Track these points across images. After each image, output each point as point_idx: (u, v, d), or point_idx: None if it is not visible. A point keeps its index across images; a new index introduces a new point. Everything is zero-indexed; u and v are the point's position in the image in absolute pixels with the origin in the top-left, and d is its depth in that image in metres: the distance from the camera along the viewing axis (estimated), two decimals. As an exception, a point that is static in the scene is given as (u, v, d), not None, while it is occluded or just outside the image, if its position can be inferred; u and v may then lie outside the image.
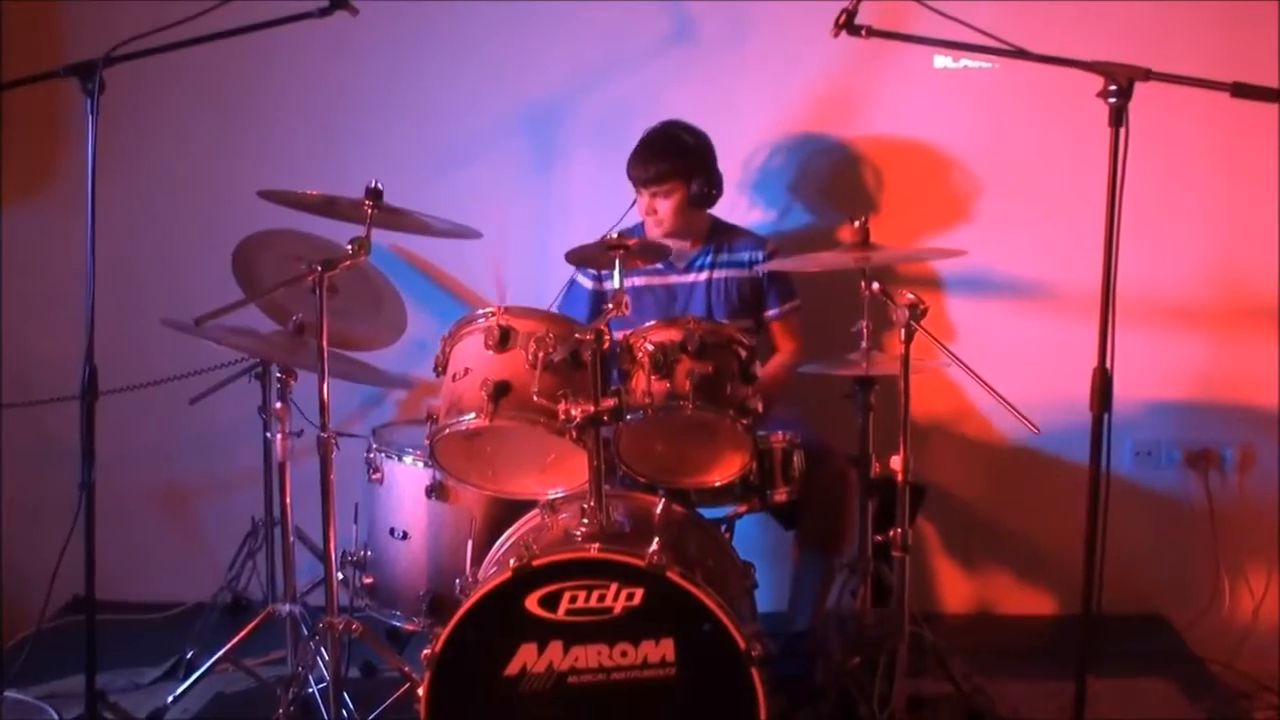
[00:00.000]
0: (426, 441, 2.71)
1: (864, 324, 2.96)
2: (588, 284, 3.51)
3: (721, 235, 3.48)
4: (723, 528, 3.00)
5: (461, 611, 2.42)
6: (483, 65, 3.77)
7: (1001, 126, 3.68)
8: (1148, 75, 2.47)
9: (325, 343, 2.70)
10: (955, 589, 3.88)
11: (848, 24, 2.67)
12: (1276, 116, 3.41)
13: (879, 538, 2.84)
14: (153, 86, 3.61)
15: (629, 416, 2.59)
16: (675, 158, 3.32)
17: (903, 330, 2.68)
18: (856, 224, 2.93)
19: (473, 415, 2.58)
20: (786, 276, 3.48)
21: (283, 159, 3.78)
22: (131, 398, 3.43)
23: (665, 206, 3.34)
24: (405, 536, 3.02)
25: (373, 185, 2.78)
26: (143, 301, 3.60)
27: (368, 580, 3.06)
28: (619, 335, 2.72)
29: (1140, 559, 3.60)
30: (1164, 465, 3.78)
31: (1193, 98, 2.49)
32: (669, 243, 3.25)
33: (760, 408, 2.71)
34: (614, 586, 2.41)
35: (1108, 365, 2.53)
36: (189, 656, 3.32)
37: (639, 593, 2.40)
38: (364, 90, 3.81)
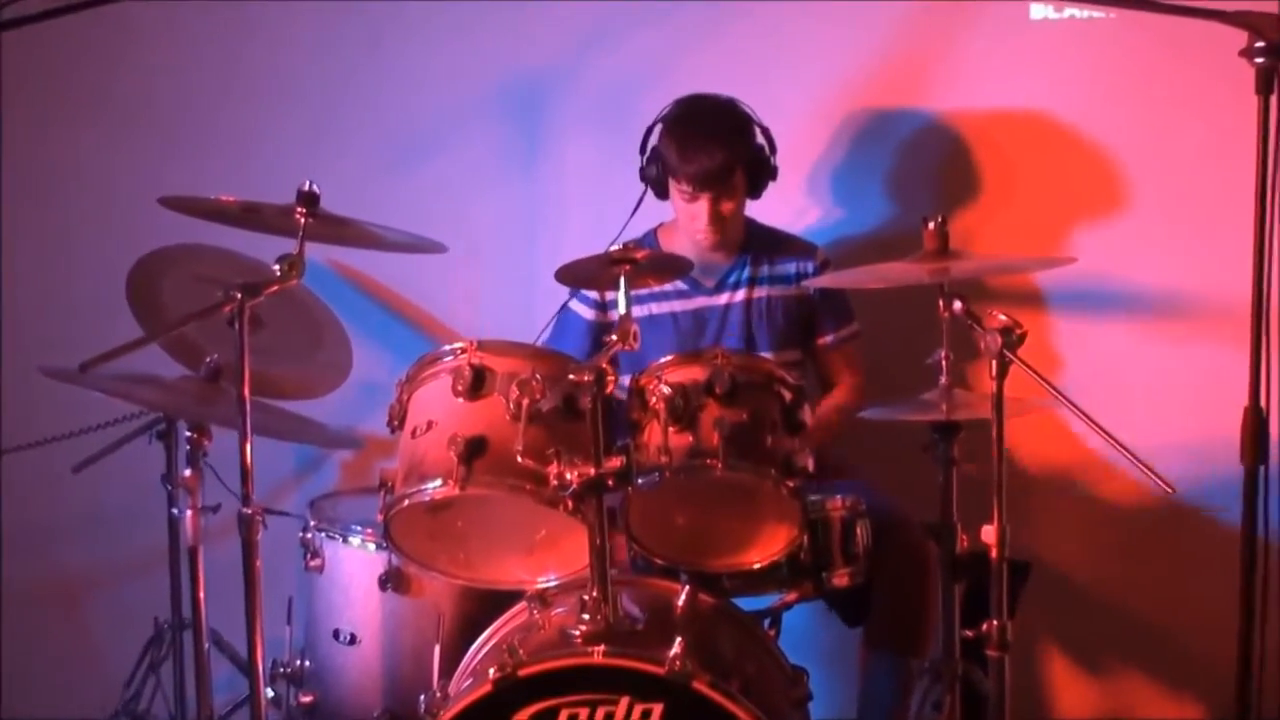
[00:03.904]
0: (380, 517, 2.71)
1: (943, 354, 2.94)
2: (587, 313, 3.51)
3: (760, 243, 3.49)
4: (766, 623, 3.01)
5: (427, 738, 2.43)
6: (450, 30, 3.80)
7: (1119, 94, 3.71)
8: (1307, 27, 2.47)
9: (248, 391, 2.67)
10: (1073, 694, 3.89)
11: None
12: None
13: (969, 632, 2.80)
14: (25, 74, 3.66)
15: (641, 480, 2.59)
16: (736, 140, 3.30)
17: (994, 362, 2.64)
18: (932, 225, 2.91)
19: (438, 482, 2.60)
20: (843, 294, 3.51)
21: (193, 157, 3.82)
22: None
23: (730, 208, 3.32)
24: (354, 640, 3.05)
25: (306, 188, 2.76)
26: (15, 342, 3.67)
27: (306, 698, 3.08)
28: (627, 377, 2.74)
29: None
30: (1345, 528, 3.77)
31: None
32: (702, 255, 3.25)
33: (811, 465, 2.71)
34: (625, 702, 2.42)
35: (1262, 403, 2.50)
36: (78, 800, 3.32)
37: (657, 709, 2.41)
38: (294, 68, 3.86)
